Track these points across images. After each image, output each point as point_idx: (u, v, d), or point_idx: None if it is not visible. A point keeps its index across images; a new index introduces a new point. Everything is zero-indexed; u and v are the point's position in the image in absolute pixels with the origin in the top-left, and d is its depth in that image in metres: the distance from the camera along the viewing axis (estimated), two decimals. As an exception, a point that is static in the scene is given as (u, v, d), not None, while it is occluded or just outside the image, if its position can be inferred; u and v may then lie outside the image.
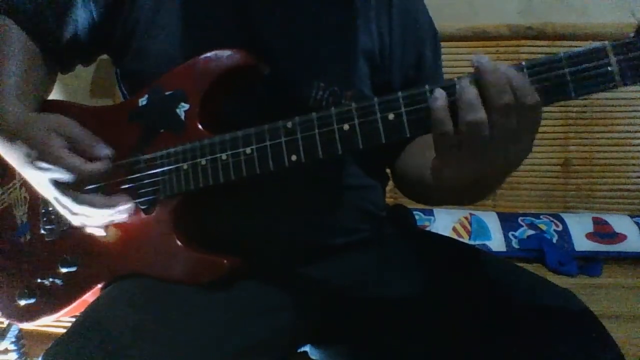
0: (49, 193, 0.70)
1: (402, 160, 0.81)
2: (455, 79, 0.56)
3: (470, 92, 0.53)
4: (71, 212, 0.71)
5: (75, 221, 0.73)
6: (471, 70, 0.55)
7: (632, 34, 0.52)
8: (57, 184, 0.69)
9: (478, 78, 0.53)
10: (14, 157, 0.71)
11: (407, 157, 0.80)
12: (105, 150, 0.71)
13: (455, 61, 1.47)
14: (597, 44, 0.52)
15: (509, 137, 0.53)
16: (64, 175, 0.68)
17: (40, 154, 0.68)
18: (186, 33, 0.76)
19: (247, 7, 0.75)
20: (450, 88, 0.55)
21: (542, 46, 1.51)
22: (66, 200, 0.69)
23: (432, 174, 0.61)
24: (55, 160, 0.67)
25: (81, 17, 0.78)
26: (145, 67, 0.76)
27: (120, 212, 0.71)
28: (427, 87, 0.57)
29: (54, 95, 0.84)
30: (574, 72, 0.53)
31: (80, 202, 0.69)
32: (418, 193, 0.80)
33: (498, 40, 1.53)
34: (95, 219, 0.71)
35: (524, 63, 0.54)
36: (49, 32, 0.77)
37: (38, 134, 0.68)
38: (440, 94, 0.55)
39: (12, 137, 0.70)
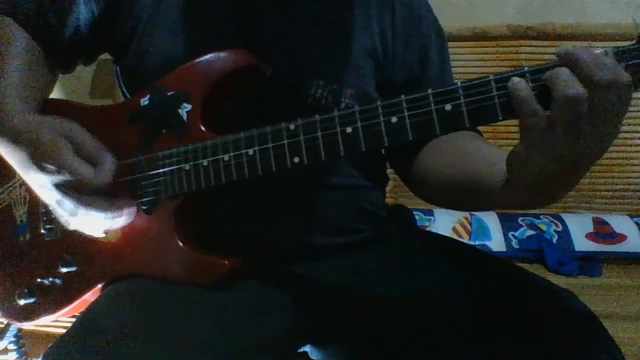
0: (51, 196, 0.69)
1: (426, 167, 0.77)
2: (513, 69, 0.54)
3: (564, 70, 0.51)
4: (72, 215, 0.70)
5: (72, 226, 0.72)
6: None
7: (634, 41, 0.52)
8: (61, 187, 0.68)
9: (571, 59, 0.51)
10: (16, 158, 0.70)
11: (435, 162, 0.76)
12: (111, 161, 0.70)
13: (456, 61, 1.47)
14: (597, 50, 0.52)
15: (605, 116, 0.51)
16: (68, 179, 0.67)
17: (47, 157, 0.67)
18: (186, 32, 0.75)
19: (247, 6, 0.75)
20: (522, 75, 0.53)
21: (542, 46, 1.51)
22: (69, 203, 0.68)
23: (511, 169, 0.58)
24: (62, 164, 0.66)
25: (83, 15, 0.77)
26: (146, 66, 0.76)
27: (123, 216, 0.71)
28: (430, 90, 0.57)
29: (54, 95, 0.84)
30: None
31: (83, 205, 0.68)
32: (458, 198, 0.74)
33: (498, 40, 1.52)
34: (96, 223, 0.71)
35: (526, 68, 0.54)
36: (50, 31, 0.77)
37: (47, 137, 0.67)
38: (518, 80, 0.53)
39: (18, 138, 0.69)
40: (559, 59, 0.52)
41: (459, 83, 0.56)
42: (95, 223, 0.71)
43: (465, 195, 0.70)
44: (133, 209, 0.71)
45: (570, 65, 0.51)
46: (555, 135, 0.52)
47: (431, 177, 0.76)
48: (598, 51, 0.51)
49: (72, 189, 0.68)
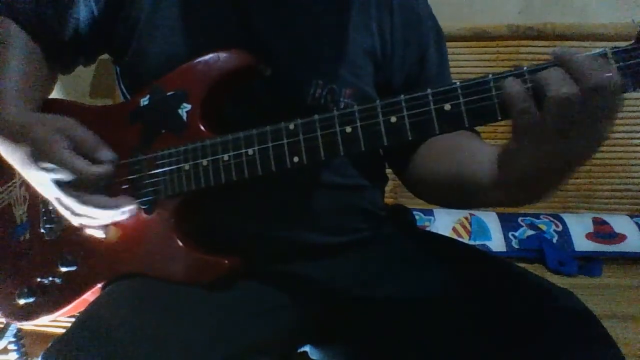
0: (51, 193, 0.70)
1: (422, 166, 0.78)
2: (513, 68, 0.54)
3: (558, 70, 0.52)
4: (73, 212, 0.70)
5: (75, 222, 0.72)
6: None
7: (632, 41, 0.52)
8: (60, 184, 0.68)
9: (566, 60, 0.51)
10: (16, 157, 0.70)
11: (430, 161, 0.76)
12: (108, 154, 0.70)
13: (456, 61, 1.48)
14: (597, 50, 0.52)
15: (595, 118, 0.51)
16: (67, 176, 0.67)
17: (43, 155, 0.67)
18: (186, 32, 0.76)
19: (246, 6, 0.75)
20: (521, 74, 0.53)
21: (542, 46, 1.51)
22: (69, 201, 0.69)
23: (501, 166, 0.58)
24: (59, 161, 0.67)
25: (82, 16, 0.78)
26: (145, 66, 0.76)
27: (123, 213, 0.71)
28: (429, 90, 0.57)
29: (54, 95, 0.84)
30: None
31: (83, 202, 0.69)
32: (453, 196, 0.75)
33: (498, 40, 1.52)
34: (97, 220, 0.71)
35: (525, 67, 0.54)
36: (50, 31, 0.77)
37: (42, 135, 0.68)
38: (512, 79, 0.53)
39: (16, 137, 0.69)
40: (554, 59, 0.52)
41: (457, 82, 0.56)
42: (96, 219, 0.71)
43: (458, 192, 0.71)
44: (133, 205, 0.71)
45: (564, 65, 0.51)
46: (545, 134, 0.52)
47: (426, 176, 0.77)
48: (596, 51, 0.52)
49: (71, 186, 0.68)
